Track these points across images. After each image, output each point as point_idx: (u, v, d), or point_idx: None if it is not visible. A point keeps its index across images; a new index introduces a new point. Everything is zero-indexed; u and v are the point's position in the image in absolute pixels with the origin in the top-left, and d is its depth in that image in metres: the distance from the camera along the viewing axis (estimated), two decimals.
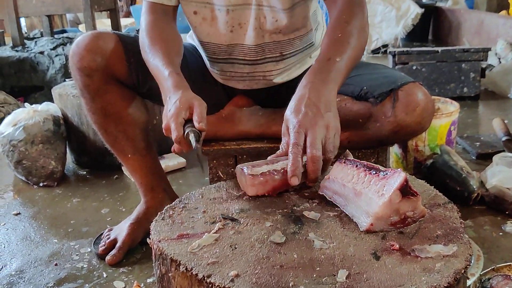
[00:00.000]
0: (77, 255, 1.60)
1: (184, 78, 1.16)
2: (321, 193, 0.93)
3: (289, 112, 1.01)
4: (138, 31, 1.43)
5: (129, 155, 1.52)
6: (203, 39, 1.43)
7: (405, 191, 0.78)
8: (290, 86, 1.49)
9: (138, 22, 5.57)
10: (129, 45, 1.42)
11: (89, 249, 1.62)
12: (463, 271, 0.70)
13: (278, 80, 1.48)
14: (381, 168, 0.83)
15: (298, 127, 0.96)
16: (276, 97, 1.50)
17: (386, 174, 0.81)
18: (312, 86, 1.03)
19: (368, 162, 0.87)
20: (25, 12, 3.65)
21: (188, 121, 1.05)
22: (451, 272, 0.69)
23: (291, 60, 1.46)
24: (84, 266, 1.53)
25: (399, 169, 0.80)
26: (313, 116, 0.97)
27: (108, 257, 1.52)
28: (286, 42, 1.41)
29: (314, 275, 0.70)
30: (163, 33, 1.31)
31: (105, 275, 1.48)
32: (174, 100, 1.08)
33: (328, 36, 1.17)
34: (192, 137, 1.01)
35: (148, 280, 1.43)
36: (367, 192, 0.81)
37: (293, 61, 1.47)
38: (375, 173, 0.82)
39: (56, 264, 1.55)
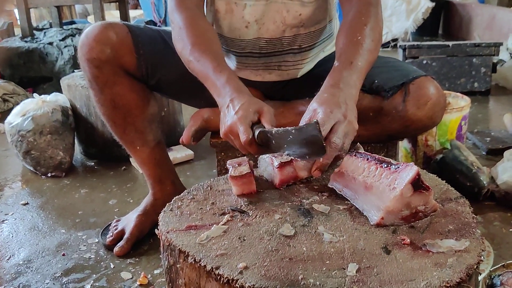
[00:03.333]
0: (84, 245, 1.60)
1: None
2: (331, 186, 0.92)
3: (318, 102, 0.98)
4: (147, 22, 1.42)
5: (138, 147, 1.52)
6: (217, 31, 1.42)
7: (417, 185, 0.77)
8: (300, 81, 1.48)
9: (146, 13, 5.56)
10: (138, 37, 1.41)
11: (97, 240, 1.63)
12: (475, 267, 0.69)
13: (293, 73, 1.46)
14: (392, 161, 0.82)
15: (330, 112, 0.94)
16: (285, 91, 1.49)
17: (398, 167, 0.79)
18: (339, 88, 1.02)
19: (379, 156, 0.86)
20: (34, 3, 3.66)
21: (254, 124, 0.98)
22: (463, 267, 0.68)
23: (309, 53, 1.45)
24: (92, 256, 1.54)
25: (411, 163, 0.79)
26: (345, 111, 0.97)
27: (116, 248, 1.52)
28: (306, 35, 1.40)
29: (324, 269, 0.69)
30: (205, 32, 1.23)
31: (112, 266, 1.48)
32: (240, 102, 1.00)
33: (347, 37, 1.16)
34: (275, 131, 0.92)
35: (155, 272, 1.43)
36: (378, 185, 0.80)
37: (311, 54, 1.46)
38: (387, 167, 0.81)
39: (63, 254, 1.55)
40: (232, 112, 1.00)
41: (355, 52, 1.11)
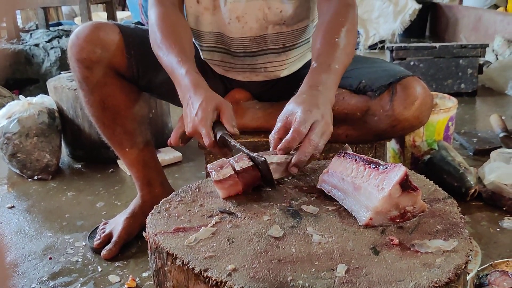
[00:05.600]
0: (71, 248, 1.58)
1: (202, 77, 1.13)
2: (319, 187, 0.92)
3: (297, 102, 0.99)
4: (135, 24, 1.41)
5: (127, 149, 1.51)
6: (204, 29, 1.41)
7: (405, 185, 0.77)
8: (289, 80, 1.48)
9: (134, 15, 5.54)
10: (129, 37, 1.40)
11: (84, 243, 1.61)
12: (463, 267, 0.69)
13: (279, 73, 1.46)
14: (381, 162, 0.82)
15: (309, 112, 0.95)
16: (274, 91, 1.49)
17: (386, 168, 0.79)
18: (318, 90, 1.03)
19: (368, 157, 0.86)
20: (20, 5, 3.62)
21: (215, 123, 1.03)
22: (451, 267, 0.68)
23: (293, 53, 1.45)
24: (79, 260, 1.52)
25: (399, 163, 0.79)
26: (323, 113, 0.97)
27: (103, 252, 1.51)
28: (289, 34, 1.40)
29: (313, 270, 0.68)
30: (175, 26, 1.26)
31: (100, 269, 1.46)
32: (198, 101, 1.03)
33: (324, 38, 1.16)
34: (233, 144, 0.98)
35: (143, 274, 1.42)
36: (367, 186, 0.80)
37: (296, 54, 1.46)
38: (375, 167, 0.81)
39: (50, 258, 1.53)
40: (193, 113, 1.04)
41: (333, 54, 1.12)
